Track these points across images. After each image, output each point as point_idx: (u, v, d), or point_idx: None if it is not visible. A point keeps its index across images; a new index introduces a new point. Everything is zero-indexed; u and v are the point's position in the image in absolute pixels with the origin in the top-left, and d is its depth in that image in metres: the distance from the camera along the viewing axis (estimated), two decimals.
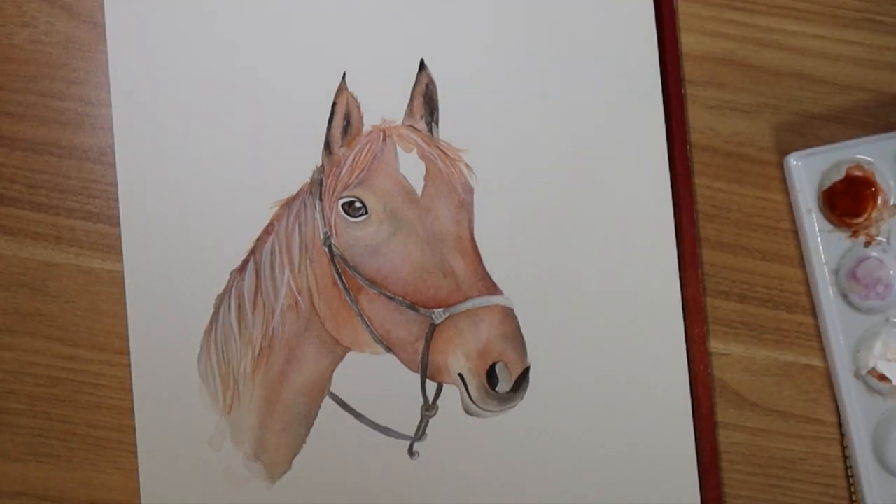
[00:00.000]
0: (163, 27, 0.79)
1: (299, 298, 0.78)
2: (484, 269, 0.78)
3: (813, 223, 0.78)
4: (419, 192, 0.77)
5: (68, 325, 0.79)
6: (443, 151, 0.78)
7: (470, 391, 0.76)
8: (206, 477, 0.78)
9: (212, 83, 0.79)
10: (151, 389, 0.78)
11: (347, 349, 0.78)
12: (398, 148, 0.78)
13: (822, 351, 0.80)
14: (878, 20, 0.80)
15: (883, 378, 0.77)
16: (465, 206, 0.78)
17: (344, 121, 0.78)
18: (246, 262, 0.78)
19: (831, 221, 0.78)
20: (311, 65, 0.79)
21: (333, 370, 0.78)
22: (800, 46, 0.81)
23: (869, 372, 0.77)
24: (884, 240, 0.78)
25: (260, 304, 0.78)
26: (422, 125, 0.79)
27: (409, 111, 0.79)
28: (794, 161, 0.78)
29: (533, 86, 0.79)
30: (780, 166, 0.80)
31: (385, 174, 0.77)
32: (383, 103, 0.79)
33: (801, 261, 0.80)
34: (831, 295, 0.78)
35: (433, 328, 0.76)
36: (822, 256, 0.78)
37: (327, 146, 0.78)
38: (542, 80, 0.79)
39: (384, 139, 0.78)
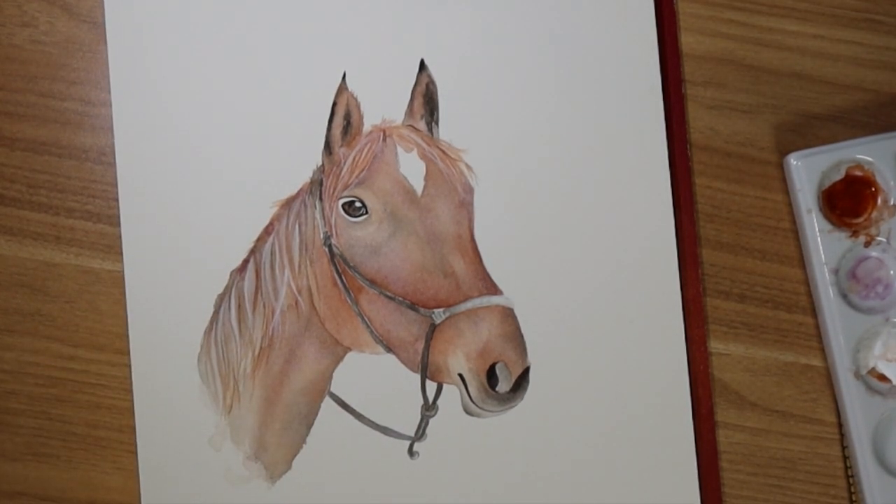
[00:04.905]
0: (163, 27, 0.79)
1: (299, 298, 0.78)
2: (484, 269, 0.78)
3: (813, 223, 0.78)
4: (419, 192, 0.77)
5: (68, 325, 0.79)
6: (443, 151, 0.78)
7: (470, 391, 0.76)
8: (206, 477, 0.78)
9: (212, 83, 0.79)
10: (151, 389, 0.78)
11: (347, 349, 0.78)
12: (398, 148, 0.78)
13: (822, 351, 0.80)
14: (878, 20, 0.80)
15: (883, 378, 0.77)
16: (466, 206, 0.78)
17: (344, 121, 0.78)
18: (246, 262, 0.78)
19: (831, 221, 0.78)
20: (312, 64, 0.79)
21: (333, 370, 0.79)
22: (800, 46, 0.81)
23: (869, 372, 0.77)
24: (884, 240, 0.78)
25: (260, 304, 0.78)
26: (422, 125, 0.79)
27: (410, 111, 0.79)
28: (794, 161, 0.78)
29: (533, 86, 0.79)
30: (780, 166, 0.80)
31: (385, 174, 0.77)
32: (383, 103, 0.79)
33: (801, 261, 0.80)
34: (831, 295, 0.78)
35: (433, 328, 0.76)
36: (822, 256, 0.78)
37: (327, 146, 0.78)
38: (543, 80, 0.79)
39: (384, 139, 0.78)
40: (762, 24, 0.81)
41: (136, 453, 0.78)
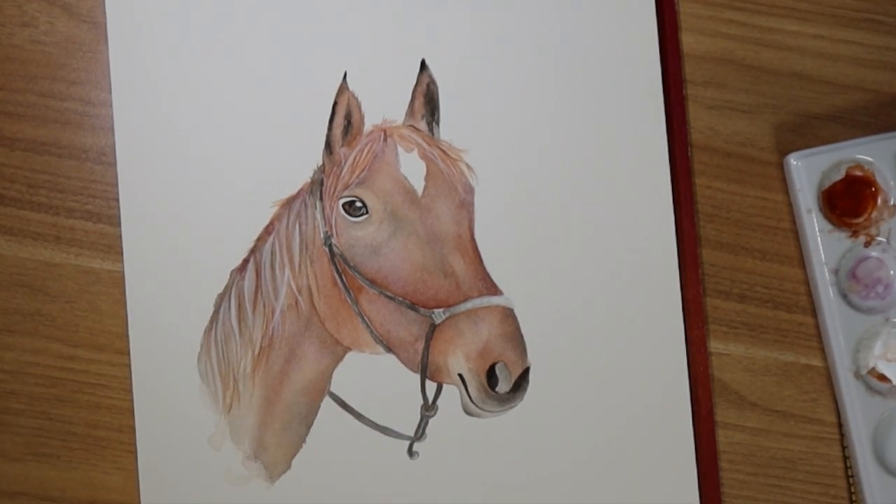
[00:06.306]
0: (164, 27, 0.79)
1: (299, 298, 0.78)
2: (484, 269, 0.78)
3: (813, 223, 0.78)
4: (420, 192, 0.77)
5: (68, 325, 0.79)
6: (443, 151, 0.78)
7: (470, 391, 0.76)
8: (205, 477, 0.78)
9: (213, 83, 0.79)
10: (151, 389, 0.78)
11: (347, 349, 0.78)
12: (399, 148, 0.78)
13: (822, 351, 0.80)
14: (878, 20, 0.81)
15: (883, 378, 0.77)
16: (466, 207, 0.78)
17: (345, 120, 0.78)
18: (246, 261, 0.78)
19: (831, 221, 0.78)
20: (312, 64, 0.79)
21: (333, 370, 0.79)
22: (800, 46, 0.81)
23: (869, 372, 0.77)
24: (884, 240, 0.78)
25: (260, 303, 0.78)
26: (423, 125, 0.79)
27: (410, 111, 0.79)
28: (794, 161, 0.78)
29: (534, 86, 0.79)
30: (780, 166, 0.80)
31: (386, 174, 0.77)
32: (384, 103, 0.79)
33: (801, 261, 0.80)
34: (831, 295, 0.78)
35: (433, 328, 0.76)
36: (822, 256, 0.78)
37: (328, 146, 0.78)
38: (544, 80, 0.79)
39: (385, 139, 0.78)
40: (762, 24, 0.81)
41: (136, 453, 0.78)
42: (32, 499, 0.79)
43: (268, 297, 0.78)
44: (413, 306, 0.77)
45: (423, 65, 0.79)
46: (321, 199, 0.78)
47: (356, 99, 0.79)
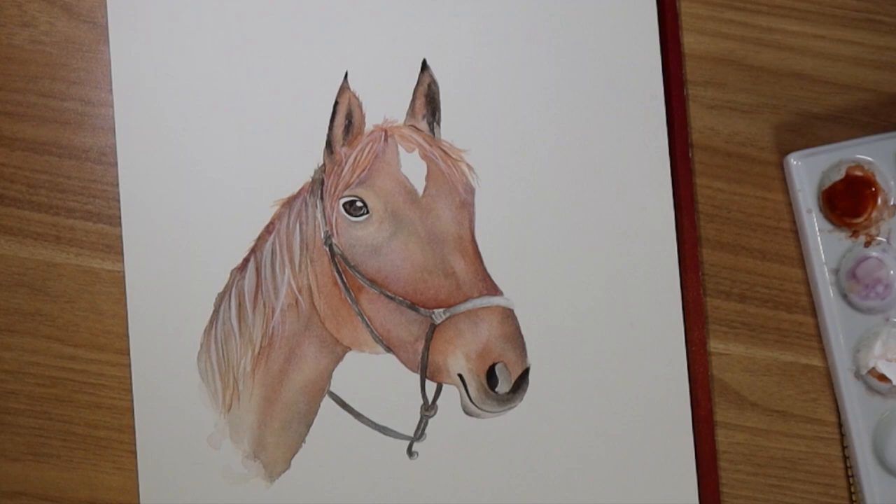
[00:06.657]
0: (164, 27, 0.79)
1: (299, 297, 0.78)
2: (484, 269, 0.78)
3: (813, 223, 0.78)
4: (420, 192, 0.77)
5: (68, 325, 0.79)
6: (444, 152, 0.78)
7: (469, 392, 0.76)
8: (205, 476, 0.78)
9: (213, 83, 0.79)
10: (151, 389, 0.78)
11: (347, 349, 0.78)
12: (400, 148, 0.78)
13: (822, 351, 0.80)
14: (878, 20, 0.81)
15: (883, 378, 0.77)
16: (467, 207, 0.78)
17: (346, 120, 0.78)
18: (246, 260, 0.78)
19: (831, 221, 0.78)
20: (314, 64, 0.79)
21: (333, 369, 0.79)
22: (800, 46, 0.81)
23: (869, 372, 0.77)
24: (884, 240, 0.78)
25: (260, 302, 0.78)
26: (424, 125, 0.79)
27: (411, 111, 0.79)
28: (794, 161, 0.78)
29: (535, 86, 0.79)
30: (780, 166, 0.80)
31: (386, 174, 0.77)
32: (385, 103, 0.79)
33: (801, 261, 0.80)
34: (831, 295, 0.78)
35: (433, 328, 0.76)
36: (822, 256, 0.78)
37: (329, 145, 0.78)
38: (545, 80, 0.80)
39: (386, 139, 0.78)
40: (762, 24, 0.81)
41: (136, 453, 0.78)
42: (32, 499, 0.79)
43: (268, 296, 0.78)
44: (413, 306, 0.77)
45: (425, 65, 0.79)
46: (322, 198, 0.78)
47: (357, 98, 0.79)
